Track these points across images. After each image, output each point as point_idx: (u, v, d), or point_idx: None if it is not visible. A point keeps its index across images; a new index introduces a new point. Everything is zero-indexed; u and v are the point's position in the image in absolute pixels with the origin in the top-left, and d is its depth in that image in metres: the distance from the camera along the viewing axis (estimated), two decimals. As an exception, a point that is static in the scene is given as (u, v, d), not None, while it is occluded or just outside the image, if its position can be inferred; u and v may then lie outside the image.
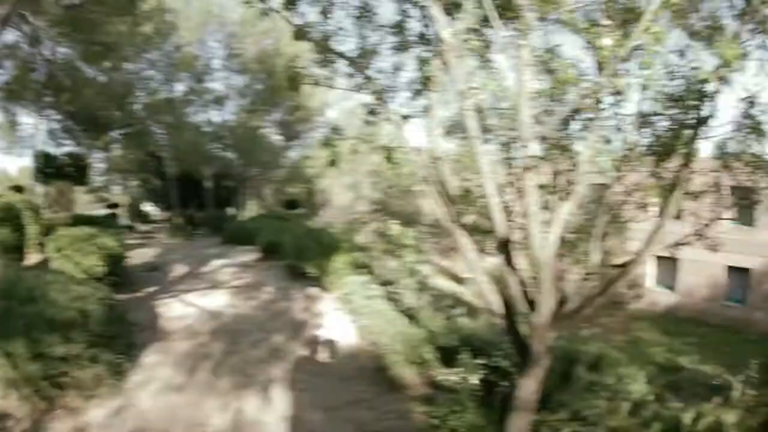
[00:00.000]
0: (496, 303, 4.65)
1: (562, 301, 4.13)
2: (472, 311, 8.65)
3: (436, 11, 4.28)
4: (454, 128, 5.61)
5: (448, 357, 6.04)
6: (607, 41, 3.49)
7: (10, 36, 15.64)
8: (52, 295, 6.32)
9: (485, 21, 4.17)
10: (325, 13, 5.80)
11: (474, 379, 5.26)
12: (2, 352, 5.51)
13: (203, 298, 10.03)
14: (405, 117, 5.82)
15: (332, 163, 6.47)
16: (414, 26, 5.68)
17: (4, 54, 16.53)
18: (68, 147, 24.57)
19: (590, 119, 3.92)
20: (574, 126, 4.19)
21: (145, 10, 16.89)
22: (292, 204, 32.14)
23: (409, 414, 5.80)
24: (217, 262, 14.18)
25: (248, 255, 15.23)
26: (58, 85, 17.94)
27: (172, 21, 21.17)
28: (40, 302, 6.11)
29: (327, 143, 6.16)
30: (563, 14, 3.71)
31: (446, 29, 4.26)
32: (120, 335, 7.05)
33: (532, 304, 4.23)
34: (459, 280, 14.14)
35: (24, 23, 14.39)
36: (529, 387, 4.37)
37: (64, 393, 5.77)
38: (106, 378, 6.11)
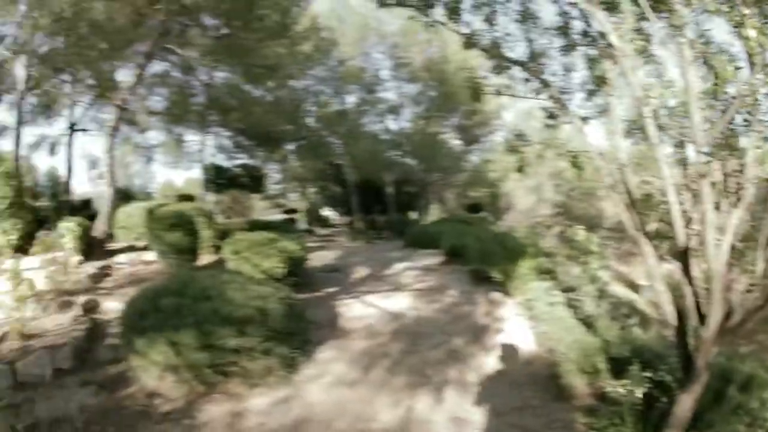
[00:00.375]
0: (671, 314, 4.39)
1: (727, 314, 3.79)
2: (644, 321, 8.09)
3: (599, 15, 4.17)
4: (632, 129, 5.35)
5: (618, 368, 5.75)
6: (752, 32, 3.17)
7: (159, 66, 17.54)
8: (229, 294, 6.76)
9: (641, 16, 4.00)
10: (489, 20, 5.85)
11: (639, 393, 4.99)
12: (167, 341, 5.94)
13: (384, 300, 10.36)
14: (584, 119, 5.68)
15: (520, 169, 6.44)
16: (577, 25, 5.54)
17: (155, 82, 18.61)
18: (241, 159, 27.00)
19: (751, 115, 3.56)
20: (738, 123, 3.81)
21: (300, 31, 17.60)
22: (474, 208, 31.96)
23: (574, 424, 5.61)
24: (399, 265, 14.53)
25: (431, 258, 15.45)
26: (222, 106, 19.67)
27: (331, 38, 22.18)
28: (215, 300, 6.51)
29: (512, 149, 6.13)
30: (708, 4, 3.46)
31: (612, 33, 4.13)
32: (297, 332, 7.38)
33: (702, 316, 3.95)
34: (635, 287, 13.15)
35: (171, 54, 15.79)
36: (685, 404, 4.11)
37: (227, 380, 6.15)
38: (277, 370, 6.48)
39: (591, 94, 5.76)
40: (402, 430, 5.59)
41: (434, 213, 33.43)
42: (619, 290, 10.89)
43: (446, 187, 33.65)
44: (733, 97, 3.59)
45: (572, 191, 21.31)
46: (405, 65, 25.90)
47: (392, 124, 28.76)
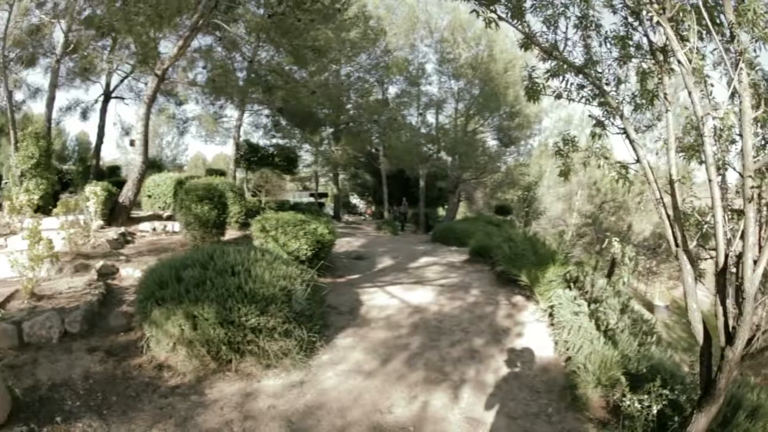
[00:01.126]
0: (699, 332, 4.41)
1: (750, 339, 3.81)
2: (658, 341, 7.96)
3: (669, 30, 4.14)
4: (682, 146, 5.30)
5: (634, 383, 5.74)
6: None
7: (203, 40, 18.05)
8: (256, 271, 6.68)
9: (699, 36, 4.05)
10: (549, 22, 5.77)
11: (655, 409, 5.00)
12: (185, 313, 5.87)
13: (407, 292, 10.50)
14: (636, 130, 5.60)
15: (563, 174, 6.33)
16: (635, 37, 5.46)
17: (198, 56, 18.76)
18: (277, 139, 27.55)
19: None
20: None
21: (349, 17, 17.70)
22: (502, 209, 31.91)
23: (585, 435, 5.61)
24: (423, 259, 14.79)
25: (456, 255, 15.69)
26: (266, 84, 19.70)
27: (378, 27, 22.27)
28: (241, 276, 6.43)
29: (560, 153, 5.97)
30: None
31: (680, 49, 4.10)
32: (317, 316, 7.36)
33: (730, 337, 3.96)
34: (650, 306, 12.72)
35: (217, 29, 15.81)
36: (700, 424, 4.13)
37: (242, 359, 6.06)
38: (293, 353, 6.39)
39: (638, 107, 5.70)
40: (415, 425, 5.46)
41: (461, 211, 33.34)
42: (637, 307, 10.60)
43: (477, 187, 33.39)
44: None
45: (604, 203, 21.13)
46: (451, 60, 25.65)
47: (431, 117, 28.90)
